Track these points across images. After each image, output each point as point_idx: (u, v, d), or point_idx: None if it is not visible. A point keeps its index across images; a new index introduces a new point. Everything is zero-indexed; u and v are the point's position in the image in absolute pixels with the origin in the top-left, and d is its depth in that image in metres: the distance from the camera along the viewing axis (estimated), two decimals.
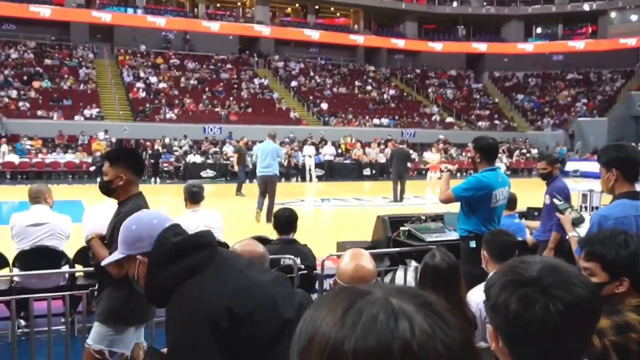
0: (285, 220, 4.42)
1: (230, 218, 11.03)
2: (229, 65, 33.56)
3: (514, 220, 5.75)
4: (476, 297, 3.00)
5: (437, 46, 39.69)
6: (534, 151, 30.25)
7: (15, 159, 21.17)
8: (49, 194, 4.93)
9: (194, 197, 5.10)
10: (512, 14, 40.00)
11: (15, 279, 4.75)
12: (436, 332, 0.66)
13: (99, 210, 5.21)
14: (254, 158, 11.54)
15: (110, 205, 5.12)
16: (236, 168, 16.81)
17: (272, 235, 4.63)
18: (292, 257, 4.18)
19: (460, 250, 4.50)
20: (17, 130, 23.20)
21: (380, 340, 0.65)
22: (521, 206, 6.49)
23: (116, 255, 1.97)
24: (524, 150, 30.44)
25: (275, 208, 4.83)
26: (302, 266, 4.26)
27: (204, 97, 29.16)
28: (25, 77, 27.10)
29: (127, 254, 1.93)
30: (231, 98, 29.64)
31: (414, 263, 5.36)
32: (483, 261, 3.25)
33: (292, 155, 23.11)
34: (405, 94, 36.05)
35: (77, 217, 5.31)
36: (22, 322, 4.74)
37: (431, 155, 17.31)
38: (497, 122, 34.16)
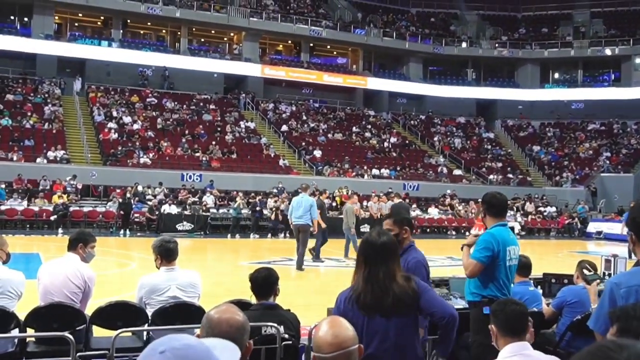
0: (262, 282, 4.27)
1: (207, 277, 10.91)
2: (212, 106, 33.92)
3: (528, 287, 5.69)
4: None
5: (444, 90, 40.37)
6: (552, 209, 30.33)
7: None
8: (4, 246, 4.87)
9: (169, 255, 4.95)
10: (526, 57, 40.93)
11: None
12: None
13: (55, 266, 5.16)
14: (290, 209, 14.23)
15: (70, 261, 5.08)
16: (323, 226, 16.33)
17: (254, 299, 4.55)
18: (275, 325, 4.10)
19: (469, 319, 4.44)
20: None
21: None
22: (536, 272, 6.47)
23: None
24: (541, 208, 30.54)
25: (259, 266, 4.77)
26: (287, 335, 4.18)
27: (183, 140, 29.34)
28: None
29: None
30: (214, 142, 29.82)
31: None
32: (492, 336, 3.18)
33: (281, 207, 23.04)
34: (408, 142, 36.43)
35: (33, 272, 5.25)
36: None
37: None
38: (510, 175, 34.43)
